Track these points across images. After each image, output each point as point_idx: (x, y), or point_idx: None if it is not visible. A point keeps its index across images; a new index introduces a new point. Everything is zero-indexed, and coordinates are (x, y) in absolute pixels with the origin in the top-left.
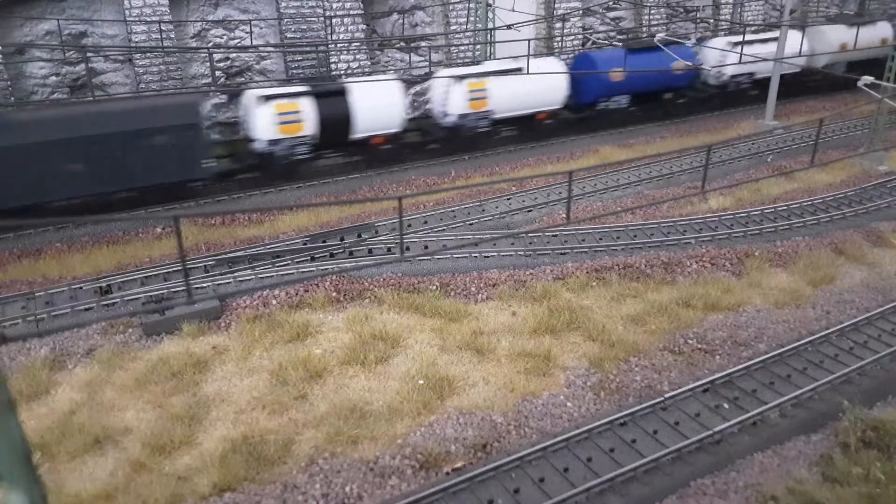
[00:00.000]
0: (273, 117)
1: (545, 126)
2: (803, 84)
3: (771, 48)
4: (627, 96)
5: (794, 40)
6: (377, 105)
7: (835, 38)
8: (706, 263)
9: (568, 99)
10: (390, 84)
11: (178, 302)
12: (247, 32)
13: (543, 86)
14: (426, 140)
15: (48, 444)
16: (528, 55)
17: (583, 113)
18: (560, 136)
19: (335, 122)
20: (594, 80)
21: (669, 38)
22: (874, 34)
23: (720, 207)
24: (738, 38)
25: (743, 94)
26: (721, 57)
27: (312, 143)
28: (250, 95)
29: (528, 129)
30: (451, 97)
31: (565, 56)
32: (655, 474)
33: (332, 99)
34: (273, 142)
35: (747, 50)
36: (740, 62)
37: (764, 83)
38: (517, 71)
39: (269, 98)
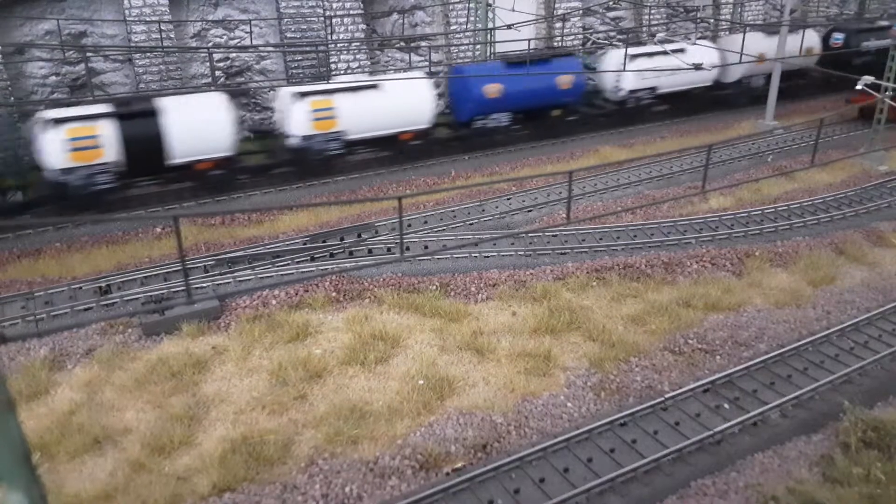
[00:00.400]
0: (63, 143)
1: (413, 147)
2: (716, 98)
3: (675, 60)
4: (508, 114)
5: (704, 51)
6: (198, 125)
7: (750, 49)
8: (706, 263)
9: (444, 117)
10: (213, 98)
11: (177, 302)
12: (247, 32)
13: (406, 103)
14: (271, 163)
15: (48, 444)
16: (390, 71)
17: (459, 132)
18: (438, 156)
19: (143, 145)
20: (468, 97)
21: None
22: (798, 43)
23: (720, 207)
24: (639, 50)
25: (645, 110)
26: (624, 69)
27: (117, 171)
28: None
29: (395, 150)
30: (291, 116)
31: (444, 69)
32: (656, 474)
33: (138, 120)
34: (66, 171)
35: (649, 63)
36: (660, 73)
37: (672, 98)
38: (372, 88)
39: (59, 122)
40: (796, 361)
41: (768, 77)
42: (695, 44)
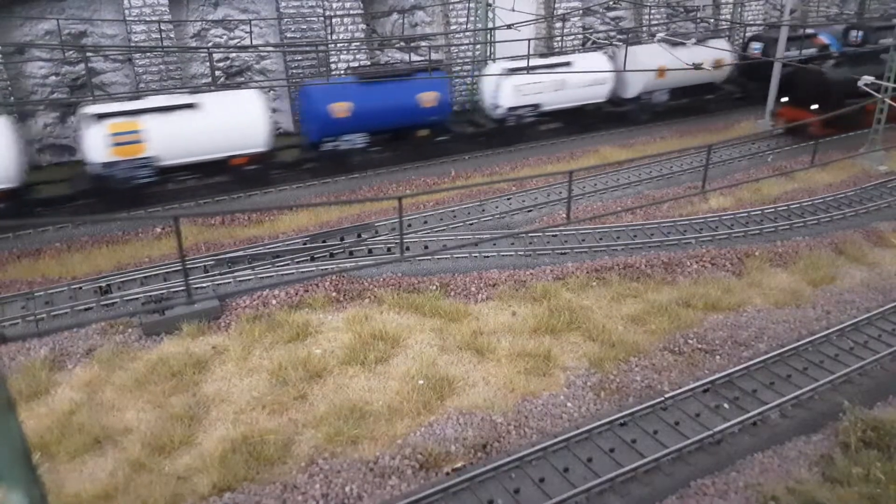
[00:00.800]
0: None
1: (250, 173)
2: (611, 116)
3: (563, 76)
4: (363, 135)
5: (596, 64)
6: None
7: (650, 62)
8: (706, 263)
9: (292, 138)
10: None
11: (177, 302)
12: (247, 32)
13: (232, 124)
14: (74, 193)
15: (48, 444)
16: (215, 88)
17: (309, 154)
18: (302, 179)
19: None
20: (314, 116)
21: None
22: (706, 55)
23: (720, 207)
24: (520, 64)
25: (528, 129)
26: (507, 84)
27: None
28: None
29: (228, 177)
30: (87, 141)
31: (295, 84)
32: (656, 474)
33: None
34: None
35: (532, 77)
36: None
37: (562, 116)
38: (188, 107)
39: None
40: (796, 361)
41: (673, 91)
42: (586, 56)
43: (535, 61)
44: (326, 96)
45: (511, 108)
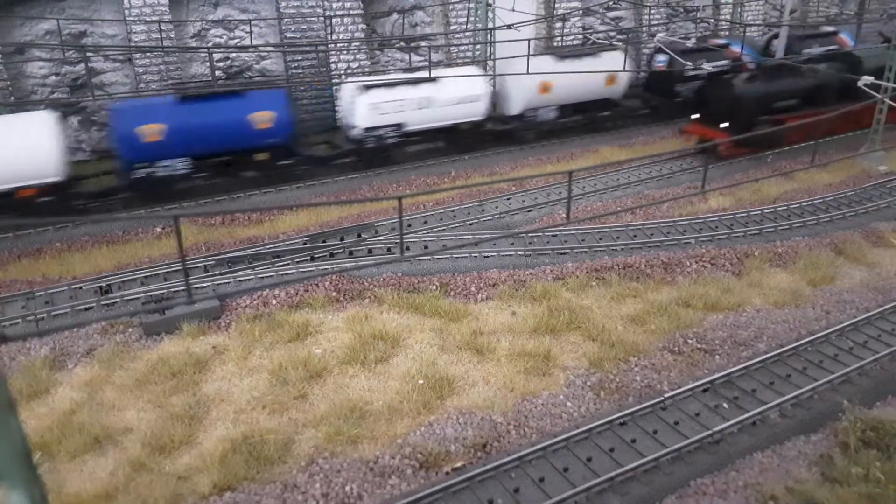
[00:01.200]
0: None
1: (45, 206)
2: (492, 135)
3: (428, 93)
4: (185, 159)
5: (466, 80)
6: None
7: (534, 80)
8: (706, 263)
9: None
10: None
11: (177, 302)
12: (247, 32)
13: (13, 152)
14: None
15: (48, 444)
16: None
17: (120, 182)
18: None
19: None
20: (122, 139)
21: (665, 41)
22: (596, 68)
23: (720, 207)
24: (377, 80)
25: (393, 151)
26: (362, 102)
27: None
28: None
29: (14, 213)
30: None
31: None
32: (655, 474)
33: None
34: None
35: (391, 95)
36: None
37: (432, 136)
38: None
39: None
40: (795, 361)
41: (562, 108)
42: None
43: (396, 77)
44: (134, 117)
45: (369, 129)
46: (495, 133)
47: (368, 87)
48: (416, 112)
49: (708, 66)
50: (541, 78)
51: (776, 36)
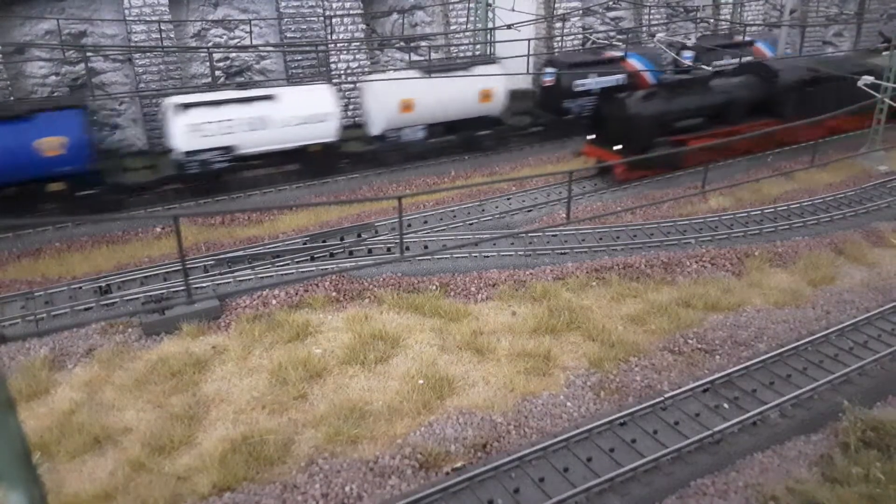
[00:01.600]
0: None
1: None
2: (348, 155)
3: (264, 112)
4: None
5: (311, 97)
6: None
7: (393, 97)
8: (706, 263)
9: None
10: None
11: (177, 302)
12: (246, 32)
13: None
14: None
15: (48, 444)
16: None
17: None
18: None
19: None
20: None
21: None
22: (468, 86)
23: (720, 207)
24: (198, 98)
25: (225, 176)
26: (179, 123)
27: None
28: None
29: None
30: None
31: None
32: (655, 474)
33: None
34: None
35: (216, 114)
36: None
37: (275, 159)
38: None
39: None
40: (795, 361)
41: (431, 128)
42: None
43: (226, 94)
44: None
45: (190, 153)
46: (354, 155)
47: (188, 106)
48: (248, 134)
49: (594, 82)
50: (401, 95)
51: (686, 47)
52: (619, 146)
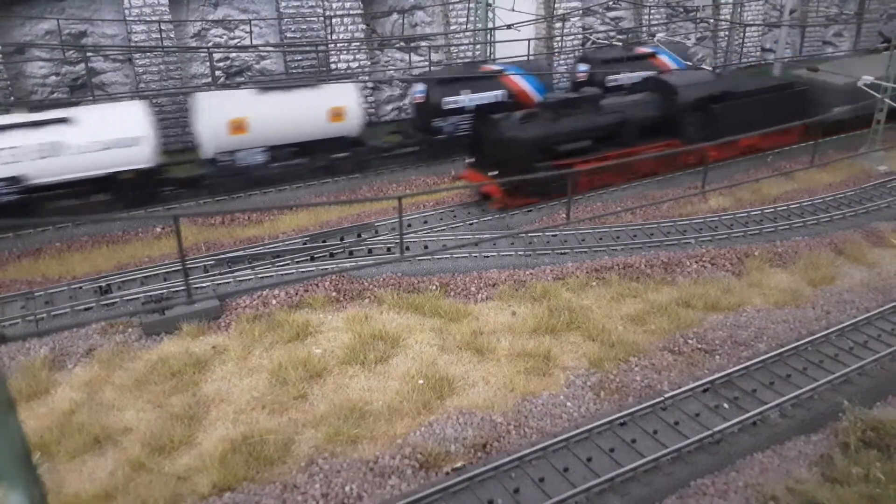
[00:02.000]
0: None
1: None
2: (171, 182)
3: (61, 136)
4: None
5: (114, 118)
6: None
7: (222, 117)
8: (706, 263)
9: None
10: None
11: (177, 302)
12: (247, 32)
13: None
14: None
15: (48, 444)
16: None
17: None
18: None
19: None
20: None
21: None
22: (314, 104)
23: (720, 207)
24: (9, 121)
25: (14, 210)
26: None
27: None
28: None
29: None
30: None
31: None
32: (655, 474)
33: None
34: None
35: (1, 141)
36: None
37: (88, 189)
38: None
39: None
40: (795, 361)
41: (274, 150)
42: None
43: (9, 118)
44: None
45: None
46: (181, 181)
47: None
48: (39, 162)
49: (466, 99)
50: (231, 115)
51: (584, 60)
52: (496, 171)
